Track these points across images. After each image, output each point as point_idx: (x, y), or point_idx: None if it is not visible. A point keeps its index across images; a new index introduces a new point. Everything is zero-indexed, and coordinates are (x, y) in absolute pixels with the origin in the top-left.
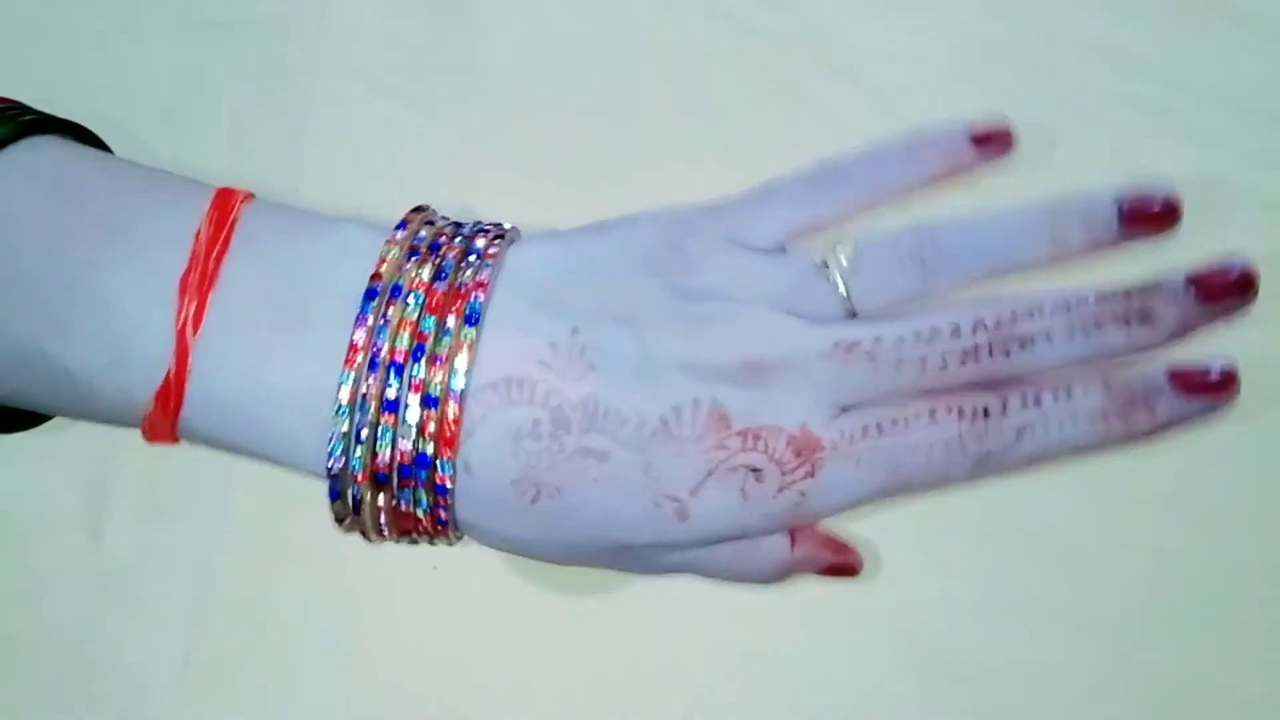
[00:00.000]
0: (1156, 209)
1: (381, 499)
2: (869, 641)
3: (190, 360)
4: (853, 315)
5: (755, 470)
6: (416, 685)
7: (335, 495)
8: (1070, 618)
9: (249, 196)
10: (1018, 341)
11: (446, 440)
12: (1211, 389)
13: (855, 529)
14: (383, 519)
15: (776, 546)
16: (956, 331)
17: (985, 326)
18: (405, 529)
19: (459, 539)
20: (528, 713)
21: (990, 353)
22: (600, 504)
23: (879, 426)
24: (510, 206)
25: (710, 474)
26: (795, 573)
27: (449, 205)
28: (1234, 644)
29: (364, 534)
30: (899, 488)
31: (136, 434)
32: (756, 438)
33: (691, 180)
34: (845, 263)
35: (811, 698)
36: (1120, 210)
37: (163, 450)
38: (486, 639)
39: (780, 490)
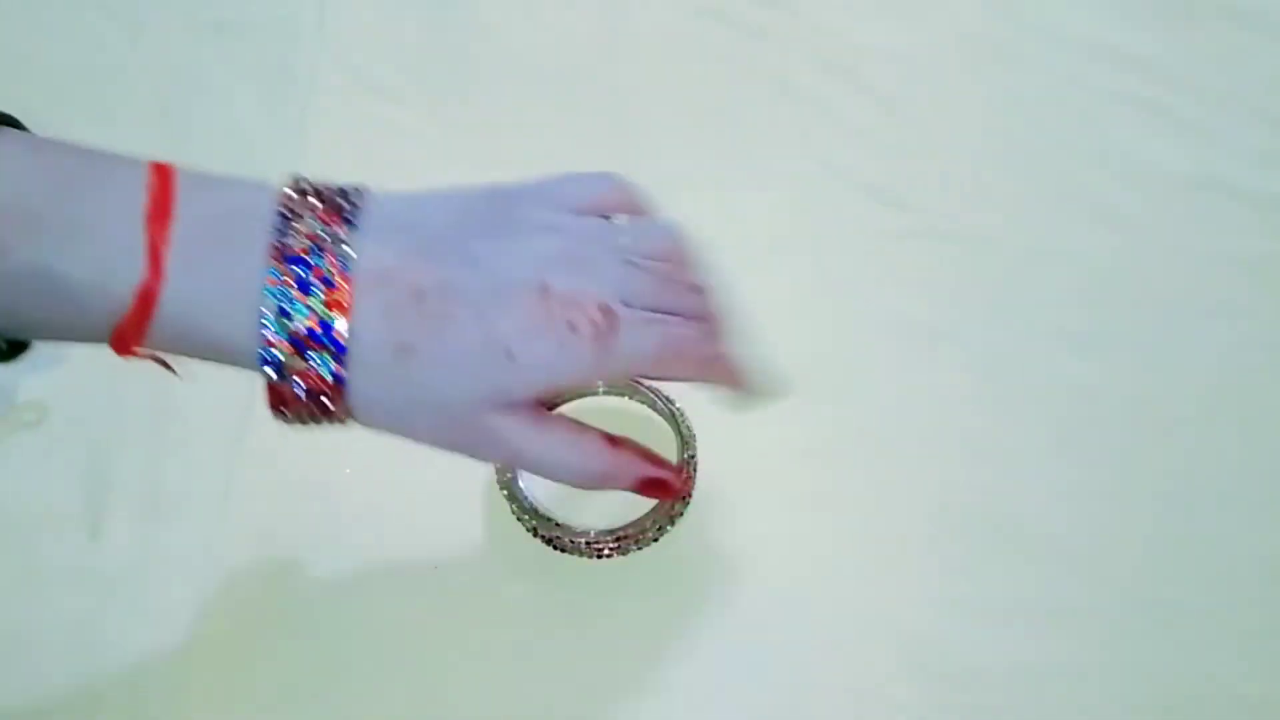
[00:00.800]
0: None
1: (299, 363)
2: (869, 641)
3: (162, 268)
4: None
5: (573, 325)
6: (416, 684)
7: (265, 362)
8: (1070, 618)
9: (172, 164)
10: (699, 290)
11: (341, 306)
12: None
13: (855, 530)
14: (298, 381)
15: (599, 444)
16: (683, 277)
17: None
18: (311, 388)
19: (348, 415)
20: (527, 712)
21: (688, 291)
22: (450, 355)
23: (651, 316)
24: None
25: (535, 327)
26: (614, 478)
27: None
28: (1234, 644)
29: (286, 407)
30: (659, 361)
31: (136, 434)
32: (574, 303)
33: (691, 178)
34: (624, 221)
35: (812, 698)
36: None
37: (163, 450)
38: (486, 638)
39: (591, 342)
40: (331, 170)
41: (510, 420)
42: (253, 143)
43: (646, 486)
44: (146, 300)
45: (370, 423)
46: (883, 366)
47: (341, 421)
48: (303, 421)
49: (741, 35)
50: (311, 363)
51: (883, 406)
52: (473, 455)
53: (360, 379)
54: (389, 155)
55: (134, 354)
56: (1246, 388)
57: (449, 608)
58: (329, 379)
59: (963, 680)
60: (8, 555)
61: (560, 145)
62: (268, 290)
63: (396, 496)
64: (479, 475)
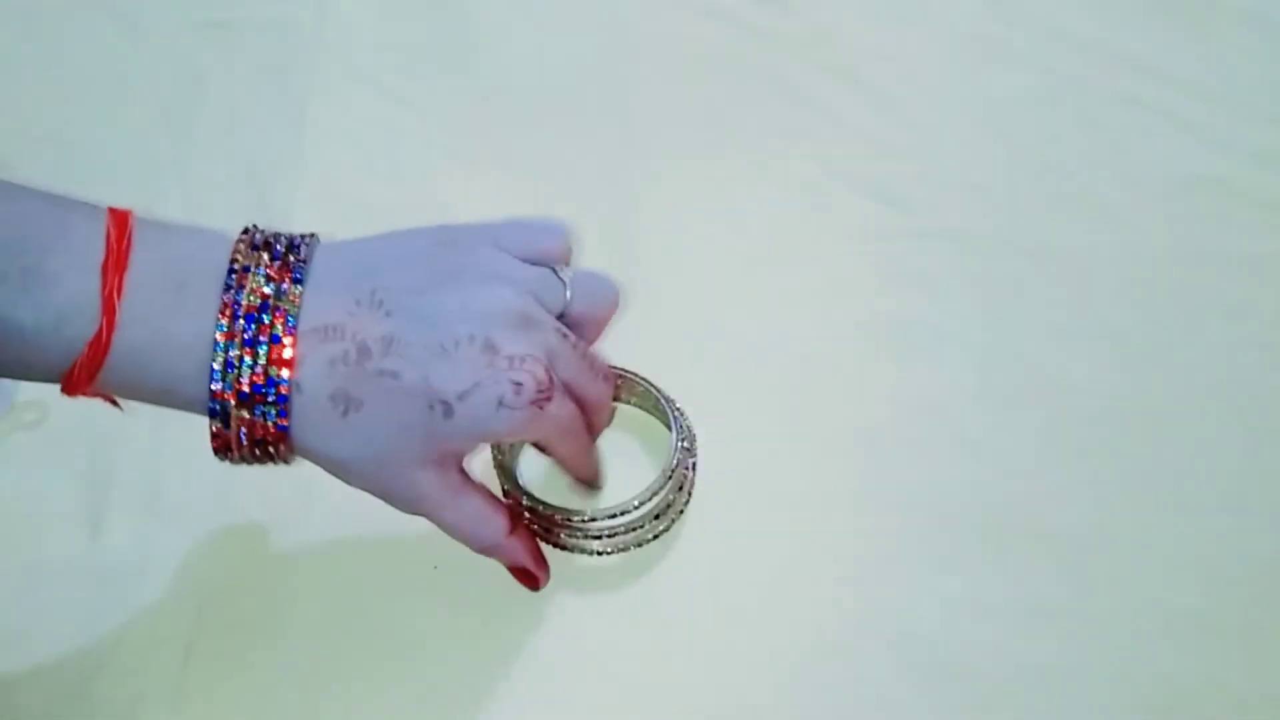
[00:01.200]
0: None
1: (244, 414)
2: (869, 641)
3: (115, 318)
4: (561, 315)
5: (518, 384)
6: (415, 684)
7: (214, 413)
8: (1070, 618)
9: (131, 212)
10: (607, 379)
11: (286, 362)
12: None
13: (854, 530)
14: (243, 431)
15: (501, 525)
16: (597, 362)
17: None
18: (256, 437)
19: (292, 457)
20: (527, 711)
21: (598, 378)
22: (391, 411)
23: (567, 390)
24: (509, 206)
25: (478, 384)
26: (498, 555)
27: (447, 204)
28: (1234, 644)
29: (230, 450)
30: (565, 435)
31: (137, 434)
32: (521, 361)
33: (691, 178)
34: (570, 276)
35: (812, 698)
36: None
37: (163, 450)
38: (486, 638)
39: (530, 404)
40: (331, 170)
41: (434, 479)
42: (253, 143)
43: (519, 573)
44: (98, 349)
45: (311, 460)
46: (883, 366)
47: (286, 463)
48: (246, 463)
49: (741, 35)
50: (256, 415)
51: (882, 406)
52: (392, 504)
53: (303, 428)
54: (389, 155)
55: (82, 394)
56: (1246, 388)
57: (449, 608)
58: (272, 429)
59: (963, 680)
60: (8, 555)
61: (560, 145)
62: (216, 345)
63: None
64: (478, 475)
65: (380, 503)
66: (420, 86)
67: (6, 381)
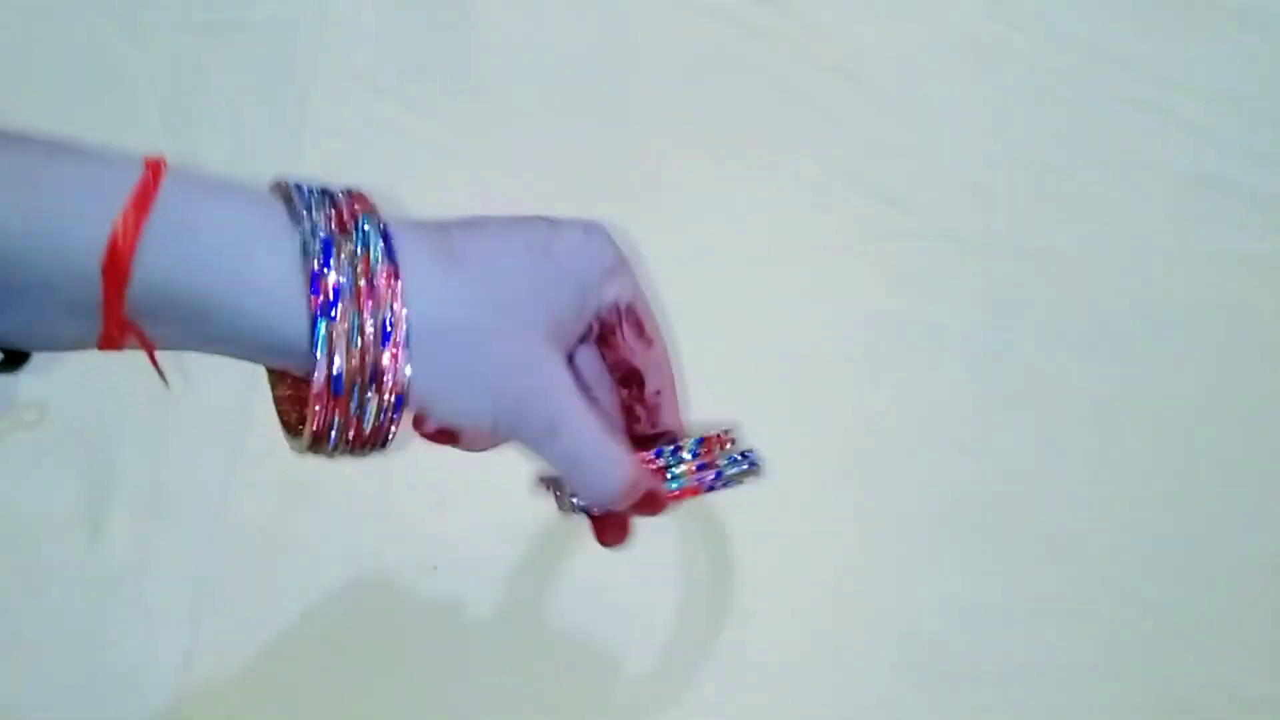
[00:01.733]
0: None
1: (343, 266)
2: (869, 641)
3: (160, 173)
4: None
5: (589, 220)
6: (416, 683)
7: (315, 280)
8: (1070, 618)
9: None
10: None
11: (376, 222)
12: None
13: (855, 530)
14: (350, 340)
15: (630, 461)
16: None
17: None
18: (363, 309)
19: (406, 370)
20: (526, 711)
21: None
22: (494, 254)
23: None
24: (509, 206)
25: (560, 227)
26: (634, 492)
27: (448, 204)
28: (1234, 644)
29: (333, 347)
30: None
31: (136, 434)
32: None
33: (691, 178)
34: None
35: (812, 697)
36: None
37: (163, 450)
38: (485, 639)
39: (611, 237)
40: (331, 170)
41: (561, 363)
42: (253, 143)
43: (616, 527)
44: (144, 196)
45: (432, 391)
46: (883, 366)
47: (388, 435)
48: (350, 400)
49: (741, 35)
50: (359, 254)
51: (883, 406)
52: (519, 417)
53: (413, 281)
54: (389, 155)
55: (127, 312)
56: (1246, 388)
57: (449, 608)
58: (384, 279)
59: (963, 680)
60: (8, 555)
61: (560, 145)
62: (293, 219)
63: (396, 497)
64: (477, 475)
65: (379, 504)
66: (420, 86)
67: (6, 381)
